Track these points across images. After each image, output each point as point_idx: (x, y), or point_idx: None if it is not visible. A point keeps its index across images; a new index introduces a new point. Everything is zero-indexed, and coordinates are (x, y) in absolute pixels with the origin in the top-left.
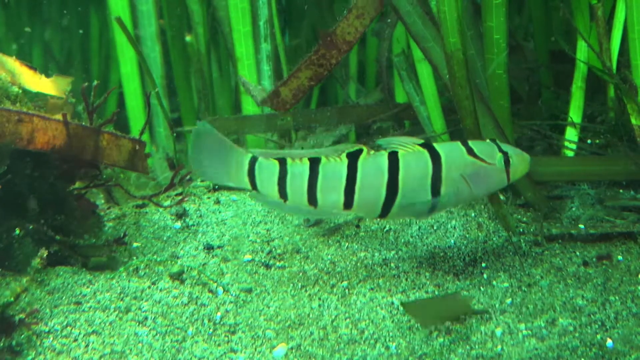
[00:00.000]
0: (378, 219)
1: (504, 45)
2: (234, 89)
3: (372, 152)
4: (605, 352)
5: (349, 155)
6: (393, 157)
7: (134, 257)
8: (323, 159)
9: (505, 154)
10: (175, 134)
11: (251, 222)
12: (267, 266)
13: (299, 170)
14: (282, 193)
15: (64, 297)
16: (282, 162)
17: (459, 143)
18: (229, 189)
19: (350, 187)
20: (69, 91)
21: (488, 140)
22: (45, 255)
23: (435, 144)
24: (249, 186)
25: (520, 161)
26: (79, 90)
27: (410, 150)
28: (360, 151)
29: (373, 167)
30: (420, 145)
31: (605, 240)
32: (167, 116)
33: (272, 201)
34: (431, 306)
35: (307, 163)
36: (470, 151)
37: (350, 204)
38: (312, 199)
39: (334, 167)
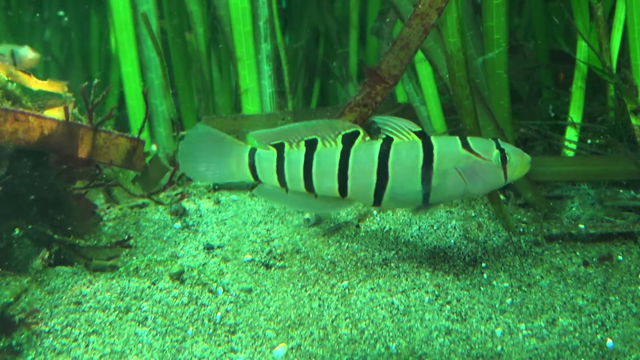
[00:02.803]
0: (376, 210)
1: (504, 45)
2: (234, 89)
3: (367, 137)
4: (605, 352)
5: (344, 141)
6: (385, 145)
7: (134, 257)
8: (319, 145)
9: (502, 151)
10: (177, 134)
11: (251, 222)
12: (267, 266)
13: (295, 157)
14: (281, 180)
15: (64, 297)
16: (280, 150)
17: (457, 137)
18: (230, 188)
19: (343, 173)
20: (66, 93)
21: (490, 139)
22: (47, 256)
23: (432, 136)
24: (251, 178)
25: (519, 161)
26: (79, 90)
27: (404, 139)
28: (356, 135)
29: (365, 153)
30: (417, 133)
31: (605, 240)
32: (174, 116)
33: (274, 194)
34: None
35: (303, 150)
36: (465, 145)
37: (344, 190)
38: (309, 185)
39: (328, 153)
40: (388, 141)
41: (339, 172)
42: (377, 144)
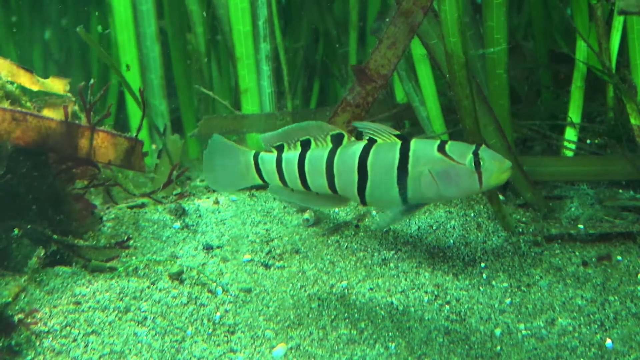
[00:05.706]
0: (375, 210)
1: (504, 45)
2: (233, 88)
3: (352, 138)
4: (604, 352)
5: (333, 141)
6: (368, 145)
7: (133, 257)
8: (312, 144)
9: (476, 155)
10: (163, 134)
11: (250, 222)
12: (267, 266)
13: (291, 157)
14: (282, 179)
15: (63, 297)
16: (280, 150)
17: (436, 140)
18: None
19: (330, 171)
20: (67, 91)
21: (474, 144)
22: (42, 254)
23: (413, 139)
24: (259, 181)
25: (497, 167)
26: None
27: (386, 140)
28: (342, 135)
29: (348, 153)
30: (397, 136)
31: (605, 241)
32: (166, 121)
33: (282, 192)
34: None
35: (298, 150)
36: (441, 148)
37: (334, 188)
38: (304, 183)
39: (319, 152)
40: (371, 142)
41: (327, 170)
42: (360, 144)
